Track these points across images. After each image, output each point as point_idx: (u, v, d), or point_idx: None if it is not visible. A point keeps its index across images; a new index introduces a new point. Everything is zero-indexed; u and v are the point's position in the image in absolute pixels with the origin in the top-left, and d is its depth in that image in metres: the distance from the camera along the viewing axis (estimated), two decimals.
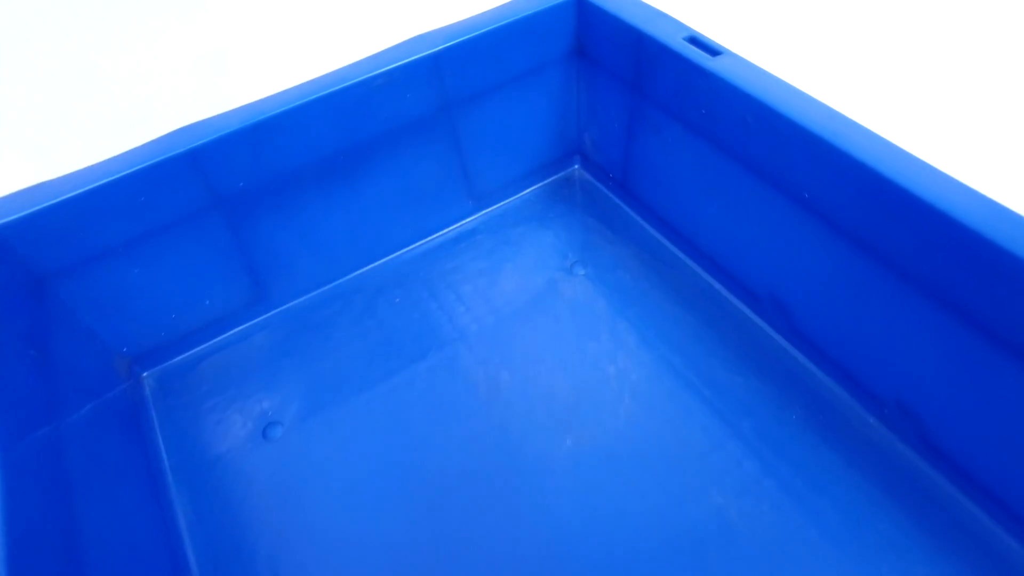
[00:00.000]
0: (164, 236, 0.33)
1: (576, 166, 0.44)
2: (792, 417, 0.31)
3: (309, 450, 0.32)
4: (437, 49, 0.34)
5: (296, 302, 0.38)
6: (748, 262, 0.34)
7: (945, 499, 0.28)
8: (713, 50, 0.31)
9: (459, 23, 0.35)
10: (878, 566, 0.27)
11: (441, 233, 0.41)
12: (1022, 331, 0.23)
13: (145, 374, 0.36)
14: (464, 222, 0.41)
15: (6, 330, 0.26)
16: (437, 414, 0.33)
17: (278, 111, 0.32)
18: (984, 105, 0.44)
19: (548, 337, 0.35)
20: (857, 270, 0.28)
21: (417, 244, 0.40)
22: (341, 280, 0.39)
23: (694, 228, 0.36)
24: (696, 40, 0.32)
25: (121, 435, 0.32)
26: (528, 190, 0.43)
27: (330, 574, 0.28)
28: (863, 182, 0.26)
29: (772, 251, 0.32)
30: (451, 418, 0.33)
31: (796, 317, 0.32)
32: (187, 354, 0.37)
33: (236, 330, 0.37)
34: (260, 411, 0.34)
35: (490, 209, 0.42)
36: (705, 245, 0.36)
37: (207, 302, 0.36)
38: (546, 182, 0.43)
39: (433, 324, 0.37)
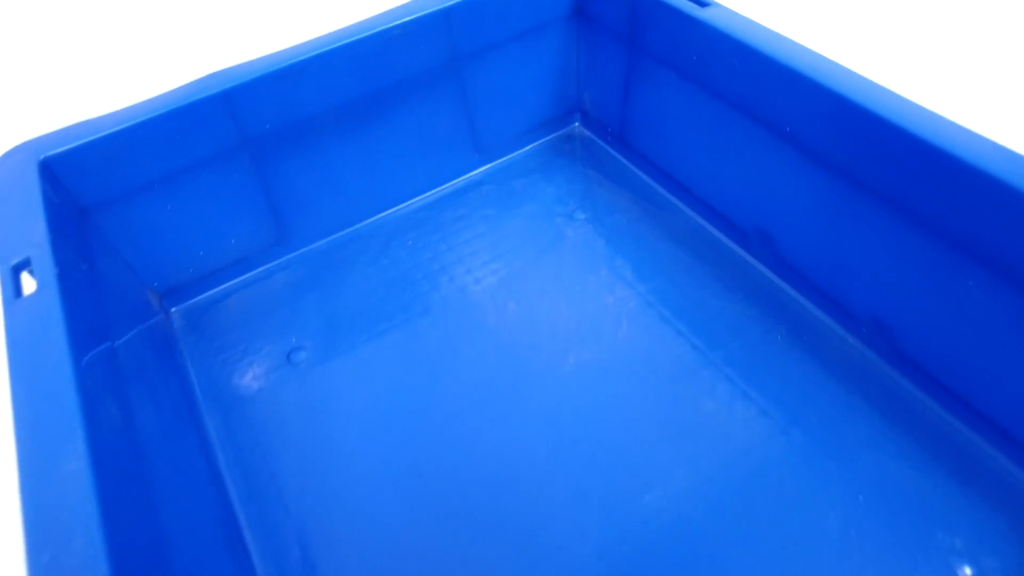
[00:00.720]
0: (196, 174, 0.35)
1: (576, 123, 0.46)
2: (777, 337, 0.34)
3: (332, 373, 0.35)
4: (448, 4, 0.37)
5: (316, 245, 0.41)
6: (736, 200, 0.37)
7: (914, 402, 0.31)
8: (702, 2, 0.34)
9: None
10: (854, 460, 0.29)
11: (450, 184, 0.43)
12: (983, 240, 0.26)
13: (173, 309, 0.39)
14: (471, 174, 0.44)
15: (64, 245, 0.28)
16: (450, 339, 0.35)
17: (304, 57, 0.35)
18: (944, 42, 0.47)
19: (551, 273, 0.38)
20: (834, 196, 0.31)
21: (428, 194, 0.43)
22: (358, 225, 0.41)
23: (686, 173, 0.39)
24: None
25: (159, 363, 0.35)
26: (531, 146, 0.45)
27: (353, 485, 0.31)
28: (837, 111, 0.29)
29: (758, 186, 0.35)
30: (463, 342, 0.35)
31: (780, 247, 0.35)
32: (213, 291, 0.39)
33: (259, 269, 0.40)
34: (284, 339, 0.37)
35: (495, 163, 0.44)
36: (696, 188, 0.39)
37: (233, 241, 0.38)
38: (548, 138, 0.46)
39: (444, 263, 0.39)
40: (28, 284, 0.26)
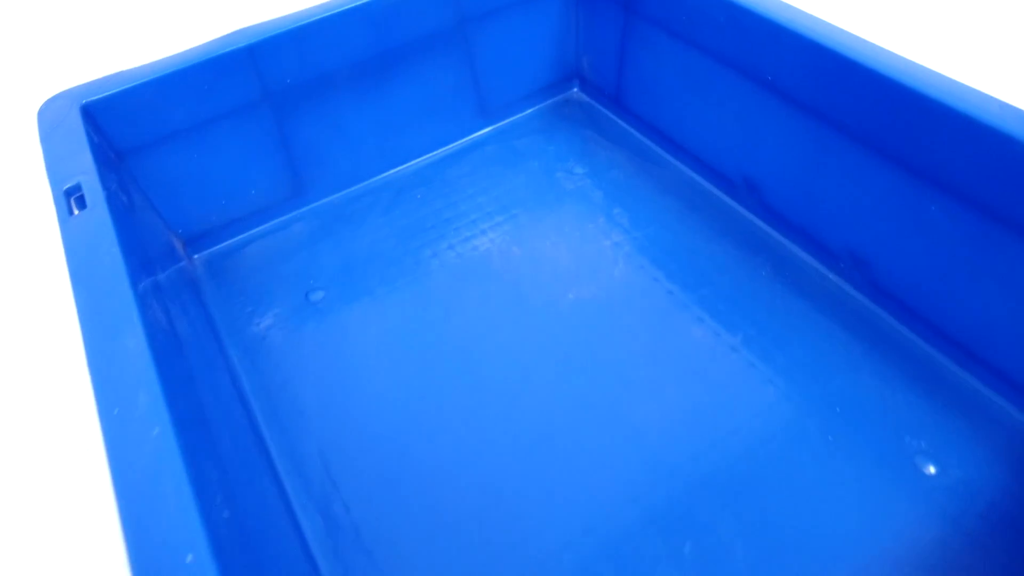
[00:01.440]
0: (221, 124, 0.38)
1: (575, 89, 0.49)
2: (762, 274, 0.37)
3: (348, 310, 0.37)
4: None
5: (330, 199, 0.43)
6: (724, 151, 0.39)
7: (886, 327, 0.34)
8: None
9: None
10: (831, 379, 0.32)
11: (456, 144, 0.46)
12: (941, 167, 0.29)
13: (196, 256, 0.41)
14: (476, 135, 0.47)
15: (107, 178, 0.30)
16: (458, 279, 0.38)
17: (322, 16, 0.37)
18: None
19: (552, 221, 0.41)
20: (811, 139, 0.34)
21: (435, 152, 0.46)
22: (369, 180, 0.44)
23: (678, 129, 0.42)
24: None
25: (189, 303, 0.37)
26: (532, 109, 0.48)
27: (368, 407, 0.33)
28: (812, 57, 0.32)
29: (743, 136, 0.38)
30: (469, 281, 0.38)
31: (764, 192, 0.38)
32: (233, 240, 0.42)
33: (277, 220, 0.42)
34: (303, 282, 0.39)
35: (498, 124, 0.47)
36: (687, 143, 0.42)
37: (253, 191, 0.41)
38: (548, 103, 0.49)
39: (452, 214, 0.42)
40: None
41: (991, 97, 0.27)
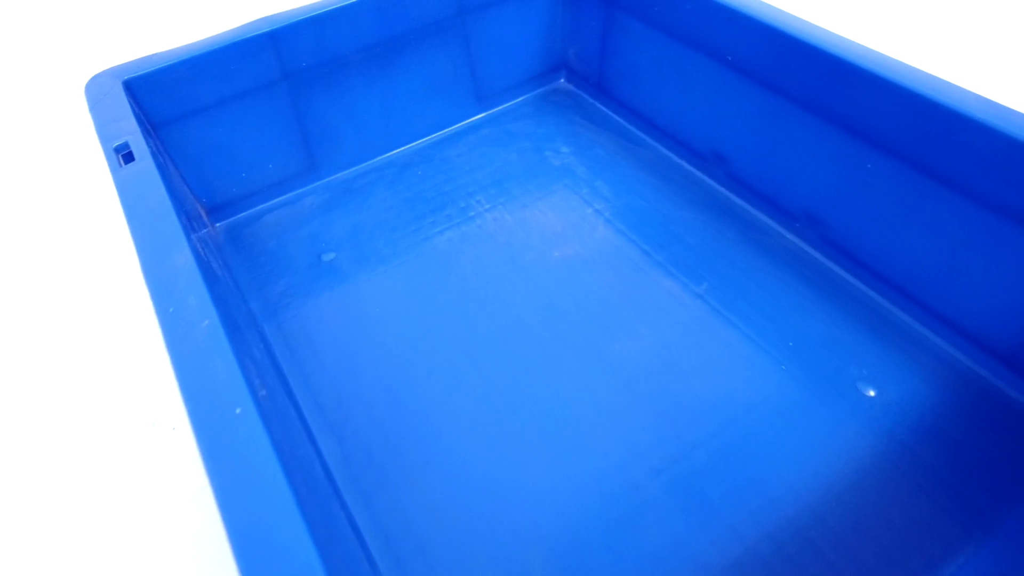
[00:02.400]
0: (243, 102, 0.42)
1: (562, 79, 0.54)
2: (728, 235, 0.41)
3: (357, 268, 0.42)
4: None
5: (339, 175, 0.48)
6: (695, 129, 0.44)
7: (835, 276, 0.38)
8: None
9: None
10: (786, 320, 0.36)
11: (454, 127, 0.51)
12: (875, 127, 0.34)
13: (217, 224, 0.45)
14: (472, 119, 0.51)
15: (149, 142, 0.35)
16: (455, 240, 0.42)
17: (337, 6, 0.42)
18: None
19: (540, 192, 0.45)
20: (770, 112, 0.38)
21: (435, 135, 0.50)
22: (376, 159, 0.48)
23: (654, 110, 0.47)
24: None
25: (213, 261, 0.41)
26: (523, 97, 0.53)
27: (377, 350, 0.37)
28: (767, 38, 0.36)
29: (711, 114, 0.42)
30: (467, 243, 0.42)
31: (731, 163, 0.42)
32: (251, 210, 0.46)
33: (291, 193, 0.47)
34: (316, 244, 0.43)
35: (492, 110, 0.52)
36: (662, 122, 0.46)
37: (270, 166, 0.45)
38: (538, 92, 0.53)
39: (450, 188, 0.46)
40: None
41: (907, 65, 0.32)
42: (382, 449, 0.33)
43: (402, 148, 0.49)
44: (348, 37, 0.43)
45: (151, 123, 0.40)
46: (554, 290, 0.39)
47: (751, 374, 0.34)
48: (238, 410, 0.21)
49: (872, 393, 0.33)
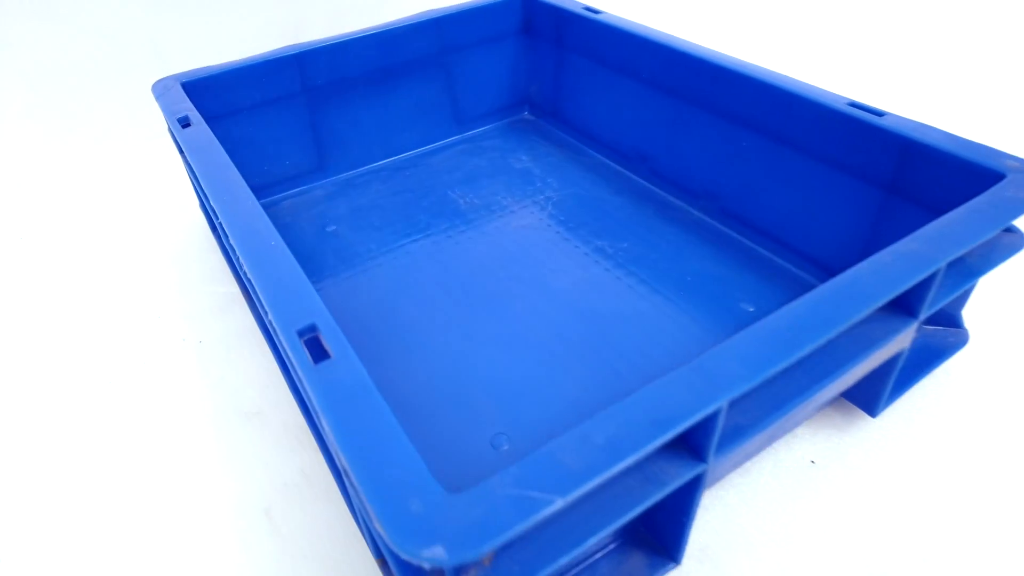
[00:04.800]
0: (270, 108, 0.54)
1: (525, 112, 0.66)
2: (647, 212, 0.52)
3: (355, 234, 0.52)
4: (441, 15, 0.58)
5: (343, 175, 0.59)
6: (623, 135, 0.56)
7: (726, 234, 0.49)
8: (596, 11, 0.55)
9: (456, 6, 0.59)
10: (686, 264, 0.47)
11: (436, 144, 0.63)
12: (745, 112, 0.45)
13: None
14: (451, 139, 0.63)
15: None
16: (434, 216, 0.53)
17: (347, 39, 0.54)
18: None
19: (503, 185, 0.56)
20: (676, 113, 0.50)
21: (420, 149, 0.62)
22: (373, 164, 0.60)
23: (593, 125, 0.59)
24: (588, 8, 0.56)
25: None
26: (494, 124, 0.65)
27: (374, 286, 0.47)
28: (669, 56, 0.49)
29: (635, 122, 0.54)
30: (443, 217, 0.53)
31: (652, 160, 0.54)
32: (269, 199, 0.57)
33: (303, 187, 0.58)
34: (322, 221, 0.54)
35: (468, 133, 0.64)
36: (599, 134, 0.58)
37: (287, 162, 0.57)
38: (505, 121, 0.66)
39: (432, 182, 0.57)
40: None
41: (762, 67, 0.44)
42: (374, 352, 0.42)
43: (395, 157, 0.61)
44: (355, 64, 0.56)
45: (205, 116, 0.51)
46: (510, 247, 0.49)
47: (657, 299, 0.44)
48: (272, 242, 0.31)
49: (751, 309, 0.43)
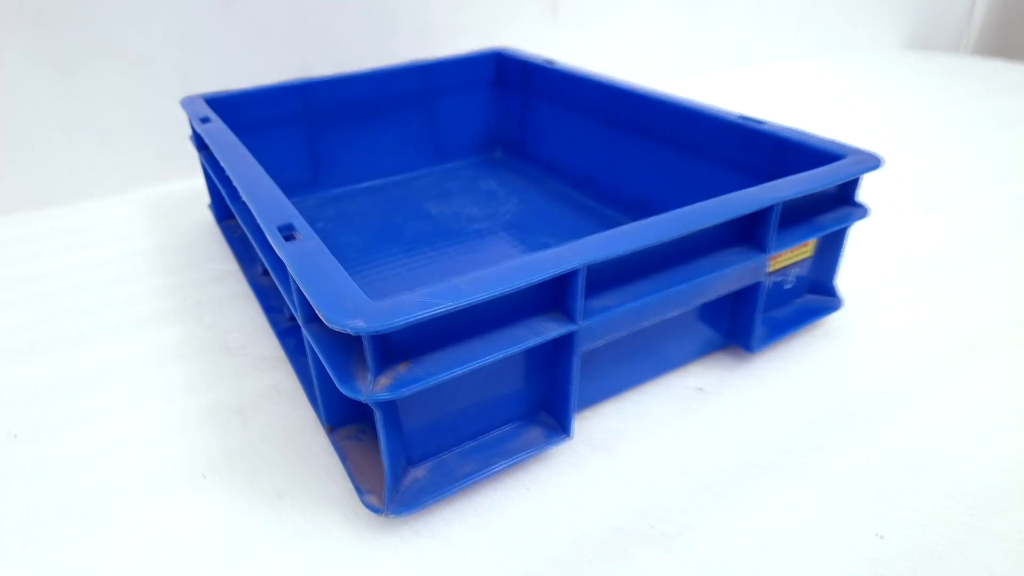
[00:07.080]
0: (275, 127, 0.64)
1: (498, 152, 0.77)
2: (591, 221, 0.61)
3: (341, 227, 0.61)
4: (426, 63, 0.69)
5: (335, 191, 0.69)
6: (575, 163, 0.66)
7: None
8: (552, 62, 0.67)
9: (440, 57, 0.71)
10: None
11: (418, 172, 0.73)
12: (651, 127, 0.55)
13: None
14: (431, 168, 0.73)
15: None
16: (411, 218, 0.62)
17: (345, 76, 0.66)
18: None
19: (472, 199, 0.66)
20: (616, 140, 0.61)
21: (404, 175, 0.72)
22: (362, 184, 0.70)
23: (552, 157, 0.69)
24: (547, 60, 0.68)
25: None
26: (469, 159, 0.76)
27: (364, 250, 0.55)
28: (602, 90, 0.60)
29: (583, 150, 0.64)
30: (417, 217, 0.62)
31: (597, 182, 0.64)
32: None
33: (297, 198, 0.67)
34: (312, 221, 0.63)
35: (446, 164, 0.74)
36: (556, 164, 0.69)
37: (287, 175, 0.66)
38: (479, 158, 0.76)
39: (413, 198, 0.67)
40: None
41: (672, 94, 0.55)
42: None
43: (381, 180, 0.71)
44: (350, 96, 0.67)
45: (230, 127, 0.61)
46: (473, 243, 0.58)
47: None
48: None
49: None
